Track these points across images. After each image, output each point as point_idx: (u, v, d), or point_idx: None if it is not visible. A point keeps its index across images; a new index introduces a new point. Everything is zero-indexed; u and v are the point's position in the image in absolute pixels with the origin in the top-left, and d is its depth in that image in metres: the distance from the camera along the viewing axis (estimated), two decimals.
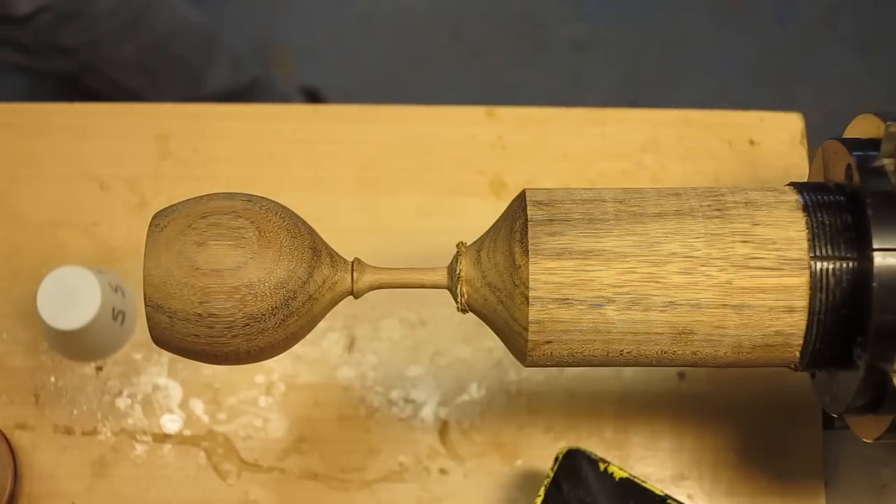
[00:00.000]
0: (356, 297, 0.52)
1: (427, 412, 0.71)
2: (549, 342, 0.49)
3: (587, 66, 1.36)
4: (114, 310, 0.68)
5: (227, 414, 0.71)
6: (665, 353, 0.50)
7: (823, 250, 0.49)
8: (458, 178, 0.75)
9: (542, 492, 0.61)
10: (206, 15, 1.23)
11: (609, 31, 1.56)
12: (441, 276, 0.52)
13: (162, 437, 0.70)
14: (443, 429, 0.70)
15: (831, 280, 0.48)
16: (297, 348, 0.70)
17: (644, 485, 0.60)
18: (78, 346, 0.70)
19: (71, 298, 0.66)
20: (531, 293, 0.48)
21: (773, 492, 0.69)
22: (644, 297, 0.49)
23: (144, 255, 0.48)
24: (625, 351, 0.50)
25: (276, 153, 0.75)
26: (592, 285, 0.49)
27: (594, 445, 0.69)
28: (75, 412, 0.71)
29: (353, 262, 0.52)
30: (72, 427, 0.71)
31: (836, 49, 1.62)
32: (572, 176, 0.75)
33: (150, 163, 0.75)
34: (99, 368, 0.71)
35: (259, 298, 0.48)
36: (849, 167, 0.50)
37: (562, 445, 0.67)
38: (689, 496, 0.69)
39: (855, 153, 0.50)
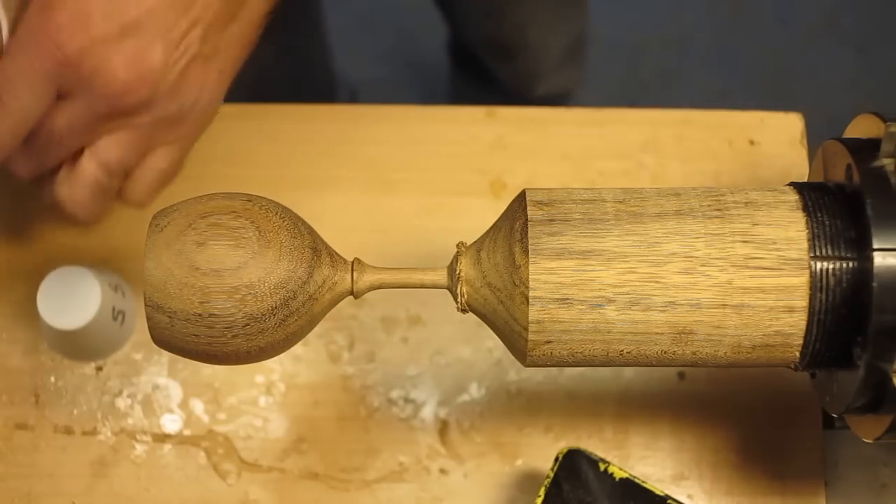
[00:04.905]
0: (356, 297, 0.52)
1: (427, 412, 0.71)
2: (549, 342, 0.49)
3: (587, 66, 1.36)
4: (114, 310, 0.68)
5: (227, 414, 0.71)
6: (665, 353, 0.50)
7: (823, 250, 0.49)
8: (458, 178, 0.75)
9: (542, 492, 0.61)
10: None
11: (609, 31, 1.56)
12: (441, 276, 0.52)
13: (162, 437, 0.70)
14: (443, 429, 0.70)
15: (831, 280, 0.48)
16: (297, 348, 0.70)
17: (644, 485, 0.60)
18: (78, 346, 0.70)
19: (71, 298, 0.66)
20: (531, 293, 0.48)
21: (773, 492, 0.69)
22: (644, 297, 0.49)
23: (144, 255, 0.48)
24: (625, 351, 0.50)
25: (276, 153, 0.75)
26: (592, 285, 0.49)
27: (594, 445, 0.69)
28: (75, 412, 0.71)
29: (353, 262, 0.52)
30: (72, 427, 0.70)
31: (836, 49, 1.62)
32: (572, 176, 0.75)
33: None
34: (99, 368, 0.71)
35: (259, 298, 0.48)
36: (849, 167, 0.50)
37: (562, 445, 0.67)
38: (689, 496, 0.69)
39: (855, 153, 0.50)
